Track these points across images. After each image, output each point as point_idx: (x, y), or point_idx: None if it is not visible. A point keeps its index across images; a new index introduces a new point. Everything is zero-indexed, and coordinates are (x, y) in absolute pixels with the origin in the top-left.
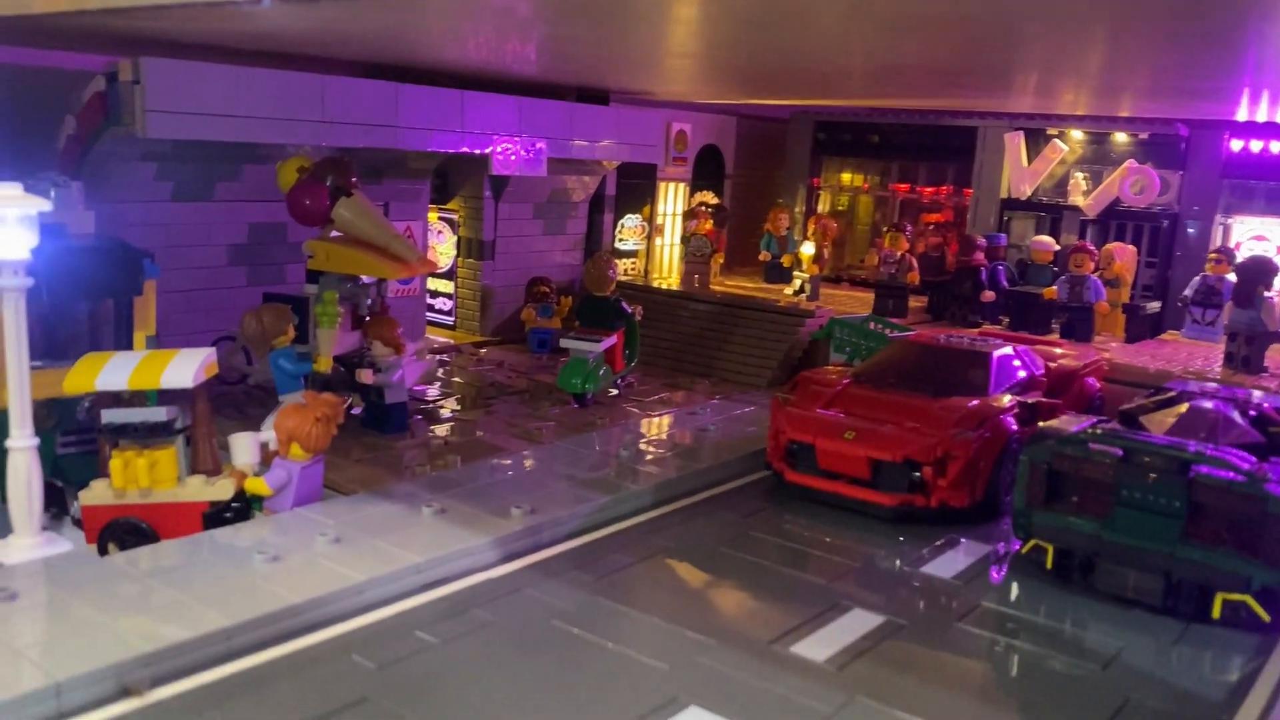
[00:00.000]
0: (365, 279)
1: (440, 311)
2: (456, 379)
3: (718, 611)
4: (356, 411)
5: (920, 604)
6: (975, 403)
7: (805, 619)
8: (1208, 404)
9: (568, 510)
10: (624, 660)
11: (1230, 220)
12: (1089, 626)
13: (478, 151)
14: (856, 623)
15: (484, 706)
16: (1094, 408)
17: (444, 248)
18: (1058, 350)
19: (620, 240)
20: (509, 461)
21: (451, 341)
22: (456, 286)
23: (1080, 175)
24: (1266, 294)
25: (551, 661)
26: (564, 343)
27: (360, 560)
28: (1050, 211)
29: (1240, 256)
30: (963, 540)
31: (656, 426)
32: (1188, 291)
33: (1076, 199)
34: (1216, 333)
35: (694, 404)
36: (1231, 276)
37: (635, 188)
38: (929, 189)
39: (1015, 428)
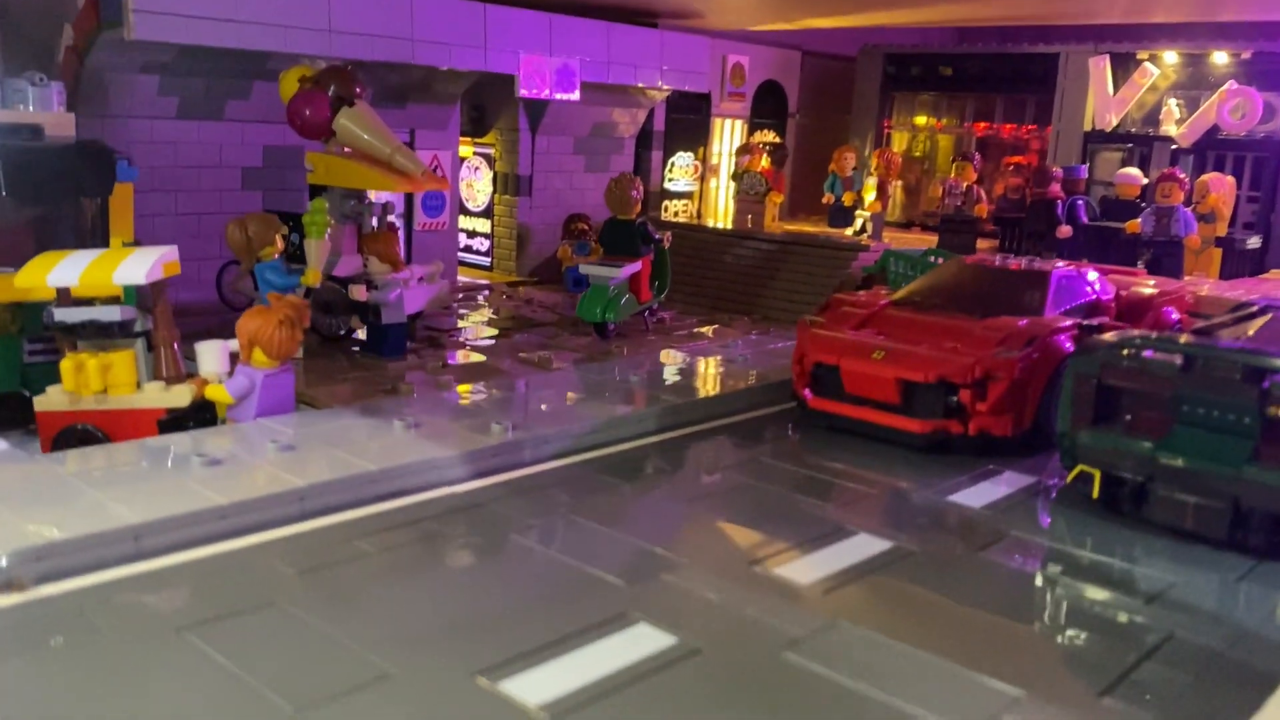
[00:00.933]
0: (372, 197)
1: (477, 252)
2: (477, 316)
3: (700, 532)
4: (357, 335)
5: (938, 532)
6: (1025, 321)
7: (798, 542)
8: None
9: (556, 429)
10: (576, 576)
11: None
12: (1137, 561)
13: (503, 71)
14: (857, 548)
15: (402, 615)
16: None
17: (480, 184)
18: (1142, 284)
19: (670, 180)
20: (507, 384)
21: (484, 281)
22: (493, 225)
23: (1173, 102)
24: None
25: (493, 573)
26: (582, 269)
27: (308, 467)
28: (1139, 143)
29: None
30: (1005, 472)
31: (679, 357)
32: None
33: (1168, 128)
34: None
35: (729, 339)
36: None
37: (688, 124)
38: (1008, 125)
39: (1071, 350)
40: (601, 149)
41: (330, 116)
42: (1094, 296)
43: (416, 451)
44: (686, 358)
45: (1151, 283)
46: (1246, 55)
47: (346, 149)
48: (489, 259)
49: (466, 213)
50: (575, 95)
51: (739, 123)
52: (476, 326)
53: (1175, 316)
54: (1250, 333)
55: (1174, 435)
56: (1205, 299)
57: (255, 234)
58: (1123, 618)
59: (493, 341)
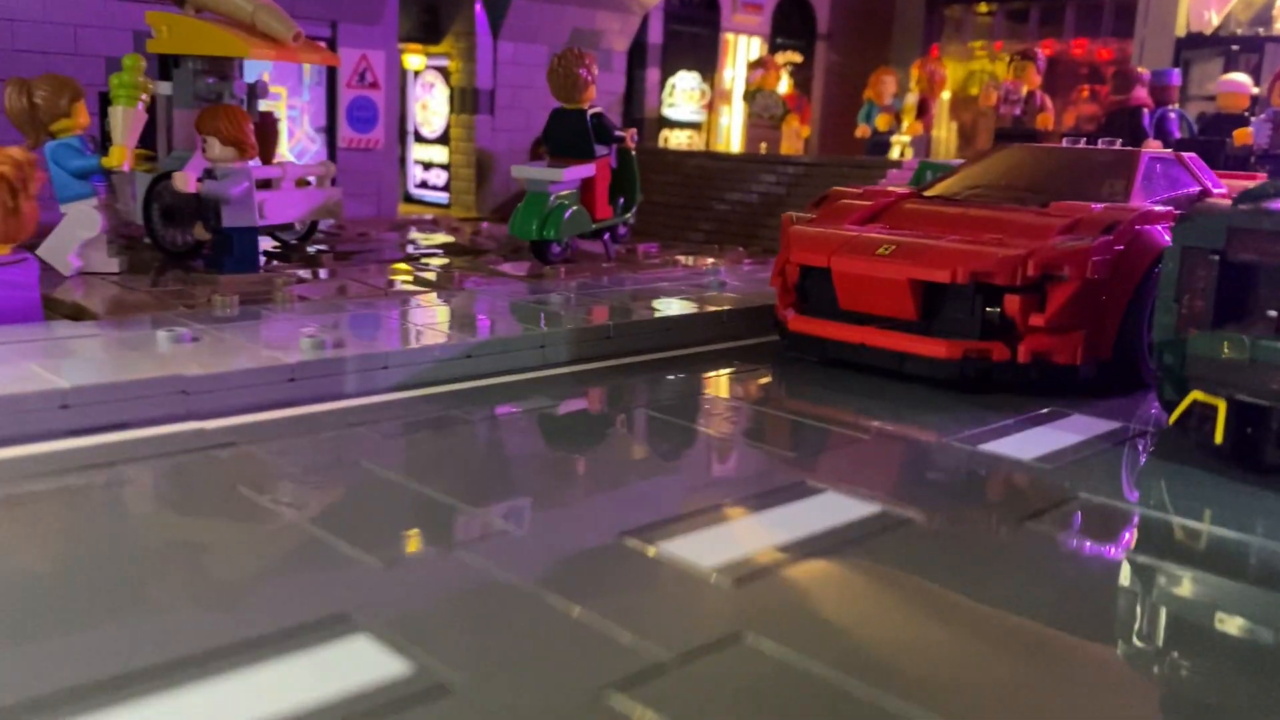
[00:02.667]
0: (240, 74)
1: (434, 187)
2: (400, 243)
3: (545, 492)
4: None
5: (957, 493)
6: (1102, 206)
7: (718, 503)
8: None
9: (403, 349)
10: (312, 547)
11: None
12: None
13: None
14: (814, 513)
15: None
16: None
17: (436, 104)
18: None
19: (670, 105)
20: (372, 304)
21: (427, 216)
22: (450, 153)
23: None
24: None
25: (186, 534)
26: (515, 171)
27: None
28: (1246, 46)
29: None
30: (1074, 415)
31: (634, 281)
32: None
33: None
34: None
35: (710, 268)
36: None
37: (692, 39)
38: (1080, 41)
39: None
40: None
41: None
42: (1199, 187)
43: (155, 370)
44: (646, 283)
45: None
46: None
47: (204, 10)
48: (447, 194)
49: (422, 140)
50: None
51: (757, 40)
52: (385, 252)
53: None
54: None
55: None
56: None
57: (44, 100)
58: (1273, 642)
59: (398, 265)
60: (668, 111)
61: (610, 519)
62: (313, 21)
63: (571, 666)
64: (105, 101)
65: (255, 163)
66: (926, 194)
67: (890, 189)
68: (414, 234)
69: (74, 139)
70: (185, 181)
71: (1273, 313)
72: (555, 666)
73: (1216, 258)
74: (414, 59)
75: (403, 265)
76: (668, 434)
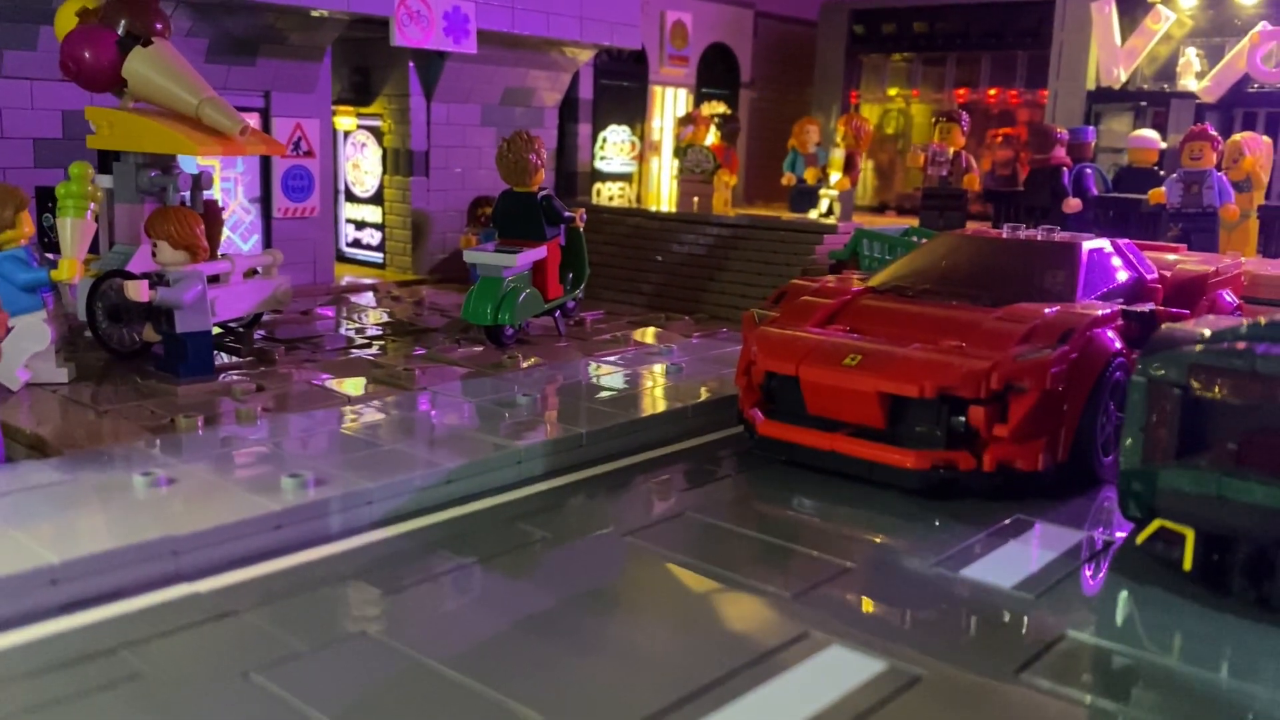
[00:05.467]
0: (180, 168)
1: (367, 247)
2: (347, 322)
3: (553, 663)
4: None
5: (956, 637)
6: (1054, 310)
7: (728, 672)
8: None
9: (383, 481)
10: None
11: None
12: (1271, 680)
13: (375, 13)
14: (829, 675)
15: None
16: None
17: (369, 164)
18: (1173, 258)
19: (602, 158)
20: (335, 413)
21: (368, 280)
22: (384, 214)
23: (1193, 52)
24: None
25: None
26: (468, 256)
27: None
28: (1153, 101)
29: None
30: (1037, 524)
31: (592, 370)
32: None
33: (1187, 82)
34: None
35: (664, 344)
36: None
37: (622, 93)
38: (994, 90)
39: (1119, 348)
40: (516, 120)
41: (118, 59)
42: (1135, 276)
43: (142, 529)
44: (603, 369)
45: (1194, 259)
46: None
47: (143, 103)
48: (382, 255)
49: (354, 199)
50: (472, 48)
51: (683, 92)
52: (335, 337)
53: (1234, 303)
54: None
55: None
56: (1263, 278)
57: None
58: None
59: (350, 355)
60: (600, 164)
61: (632, 699)
62: (246, 92)
63: None
64: (41, 193)
65: (221, 264)
66: (878, 287)
67: (845, 283)
68: (356, 307)
69: (20, 250)
70: (138, 291)
71: (1232, 445)
72: None
73: (1180, 393)
74: (345, 120)
75: (355, 358)
76: (660, 574)
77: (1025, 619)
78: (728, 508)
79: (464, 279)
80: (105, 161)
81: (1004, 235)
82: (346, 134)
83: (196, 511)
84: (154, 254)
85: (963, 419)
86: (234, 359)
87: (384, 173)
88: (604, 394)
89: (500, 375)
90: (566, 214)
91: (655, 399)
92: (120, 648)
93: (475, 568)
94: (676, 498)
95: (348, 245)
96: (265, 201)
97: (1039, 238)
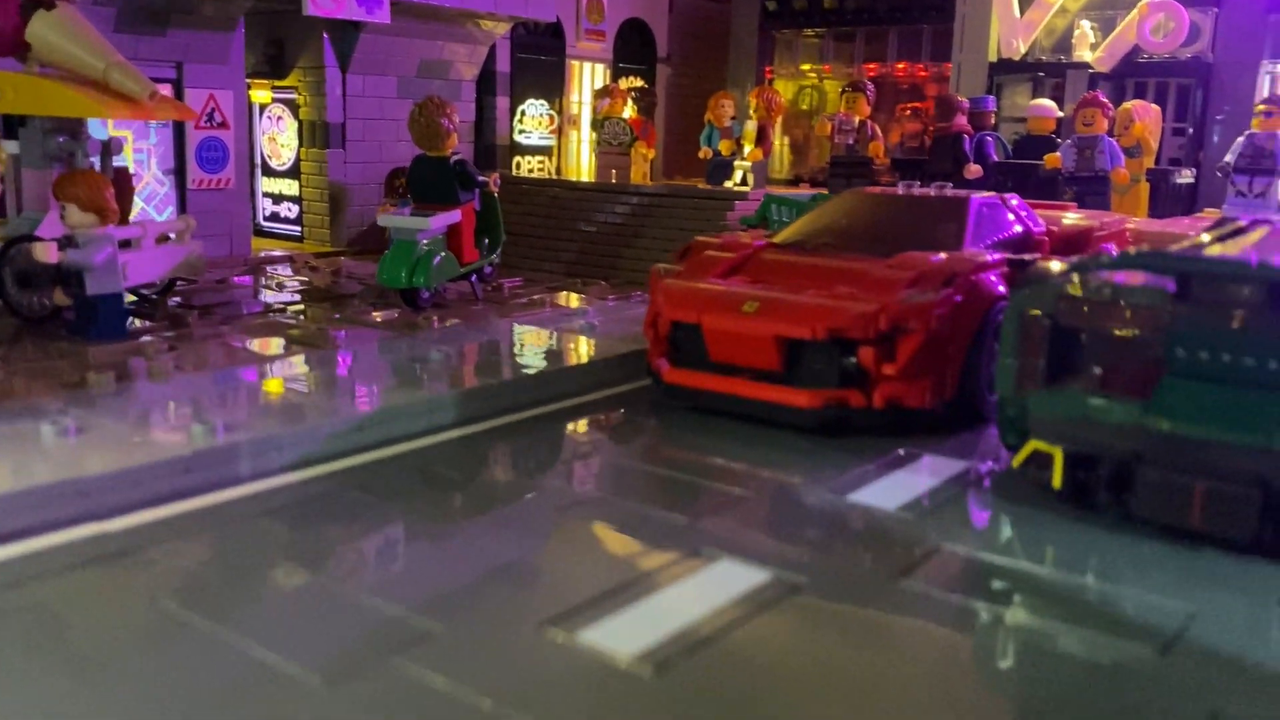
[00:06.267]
0: (89, 134)
1: (285, 220)
2: (262, 289)
3: (478, 577)
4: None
5: (838, 551)
6: (940, 257)
7: (626, 581)
8: None
9: (294, 428)
10: (253, 673)
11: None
12: (1129, 581)
13: None
14: (717, 584)
15: None
16: None
17: (285, 137)
18: (1066, 216)
19: (522, 131)
20: (249, 370)
21: (280, 252)
22: (301, 187)
23: (1087, 24)
24: None
25: (112, 677)
26: (382, 220)
27: None
28: (1050, 72)
29: None
30: (924, 456)
31: (507, 329)
32: (1229, 157)
33: (1082, 54)
34: (1270, 204)
35: (580, 306)
36: None
37: (539, 66)
38: (903, 65)
39: (1003, 292)
40: (433, 92)
41: (21, 24)
42: (1023, 229)
43: (51, 471)
44: (517, 329)
45: (1083, 216)
46: None
47: (49, 68)
48: (300, 228)
49: (271, 173)
50: (385, 18)
51: (600, 67)
52: (250, 303)
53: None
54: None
55: (1167, 392)
56: (1148, 235)
57: None
58: (1133, 684)
59: (264, 318)
60: (519, 138)
61: (530, 608)
62: (157, 63)
63: None
64: None
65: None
66: (779, 242)
67: (747, 239)
68: (274, 277)
69: None
70: (47, 252)
71: (1096, 370)
72: None
73: (1049, 322)
74: (260, 93)
75: (271, 320)
76: (565, 505)
77: (906, 535)
78: (634, 449)
79: (382, 250)
80: (11, 127)
81: (899, 193)
82: (262, 107)
83: (106, 456)
84: (62, 216)
85: (853, 359)
86: (147, 323)
87: (300, 145)
88: (519, 350)
89: (416, 335)
90: (480, 178)
91: (568, 353)
92: (26, 580)
93: (383, 504)
94: (587, 441)
95: (265, 219)
96: (180, 173)
97: (932, 194)
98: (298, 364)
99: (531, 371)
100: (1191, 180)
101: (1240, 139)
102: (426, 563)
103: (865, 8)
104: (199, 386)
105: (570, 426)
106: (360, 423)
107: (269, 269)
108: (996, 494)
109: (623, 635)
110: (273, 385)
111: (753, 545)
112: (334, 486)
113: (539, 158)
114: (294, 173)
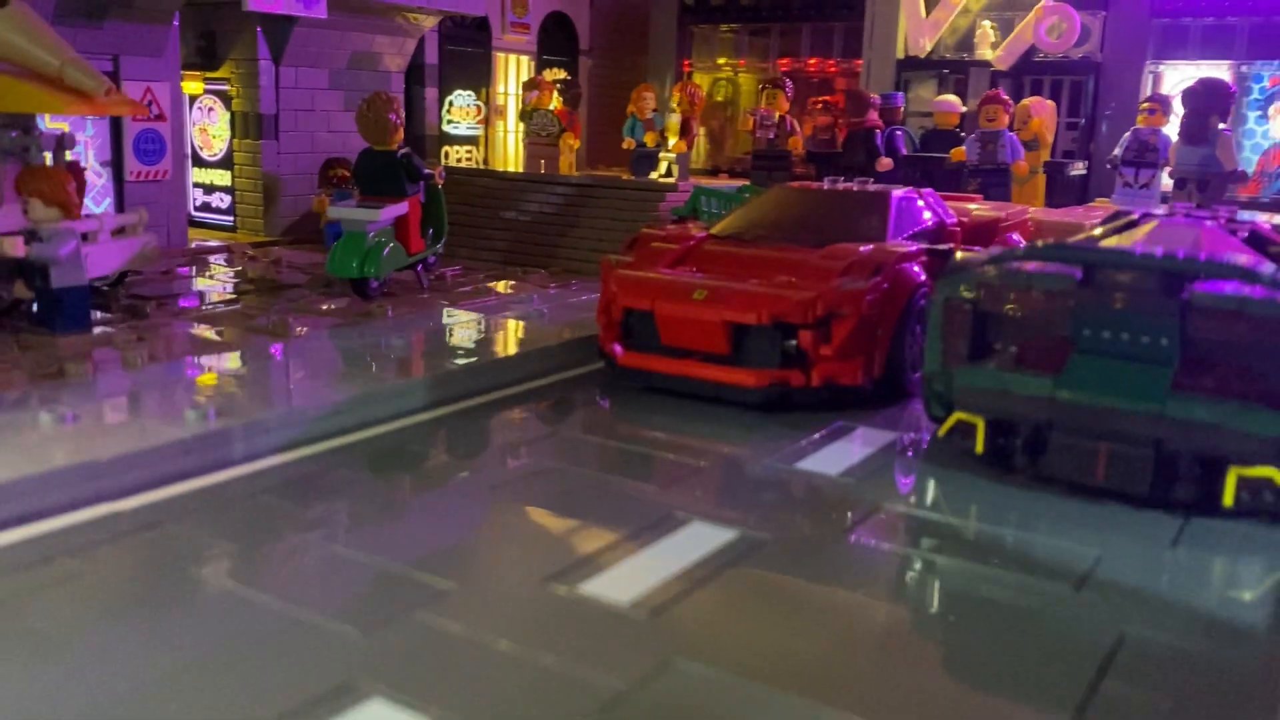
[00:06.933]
0: (42, 126)
1: (218, 210)
2: (207, 281)
3: (479, 541)
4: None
5: (793, 512)
6: (868, 248)
7: (614, 542)
8: (1184, 221)
9: (280, 411)
10: (287, 626)
11: (1161, 67)
12: (1044, 530)
13: None
14: (692, 543)
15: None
16: None
17: (216, 128)
18: (971, 207)
19: (450, 122)
20: (218, 358)
21: (215, 243)
22: (234, 178)
23: (988, 24)
24: (1221, 126)
25: (160, 632)
26: (332, 212)
27: None
28: (954, 69)
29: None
30: (859, 428)
31: (459, 316)
32: (1117, 150)
33: (984, 52)
34: (1153, 195)
35: (523, 294)
36: (1168, 130)
37: (466, 58)
38: (815, 60)
39: (924, 279)
40: (364, 83)
41: None
42: (938, 220)
43: (61, 456)
44: (469, 316)
45: (988, 207)
46: None
47: (2, 63)
48: (232, 218)
49: (202, 163)
50: (322, 13)
51: (525, 59)
52: (202, 293)
53: (1020, 242)
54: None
55: (1074, 367)
56: (1047, 224)
57: None
58: (1052, 615)
59: (220, 308)
60: (447, 128)
61: (529, 567)
62: (94, 56)
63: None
64: None
65: (92, 222)
66: (718, 234)
67: (695, 229)
68: (215, 267)
69: None
70: (14, 247)
71: (1013, 349)
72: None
73: (970, 307)
74: (191, 84)
75: (227, 310)
76: (540, 475)
77: (849, 497)
78: (595, 426)
79: (317, 240)
80: None
81: (825, 187)
82: (193, 99)
83: (109, 441)
84: (25, 211)
85: (794, 342)
86: (105, 315)
87: (233, 136)
88: (475, 336)
89: (370, 323)
90: (426, 171)
91: (523, 339)
92: (56, 556)
93: (373, 480)
94: (550, 420)
95: (196, 209)
96: (117, 165)
97: (855, 189)
98: (264, 354)
99: (493, 357)
100: (1084, 172)
101: (1127, 134)
102: (425, 530)
103: (779, 5)
104: (176, 374)
105: (535, 407)
106: (339, 407)
107: (210, 259)
108: (925, 459)
109: (619, 586)
110: (248, 373)
111: (717, 509)
112: (322, 466)
113: (467, 148)
114: (226, 163)
